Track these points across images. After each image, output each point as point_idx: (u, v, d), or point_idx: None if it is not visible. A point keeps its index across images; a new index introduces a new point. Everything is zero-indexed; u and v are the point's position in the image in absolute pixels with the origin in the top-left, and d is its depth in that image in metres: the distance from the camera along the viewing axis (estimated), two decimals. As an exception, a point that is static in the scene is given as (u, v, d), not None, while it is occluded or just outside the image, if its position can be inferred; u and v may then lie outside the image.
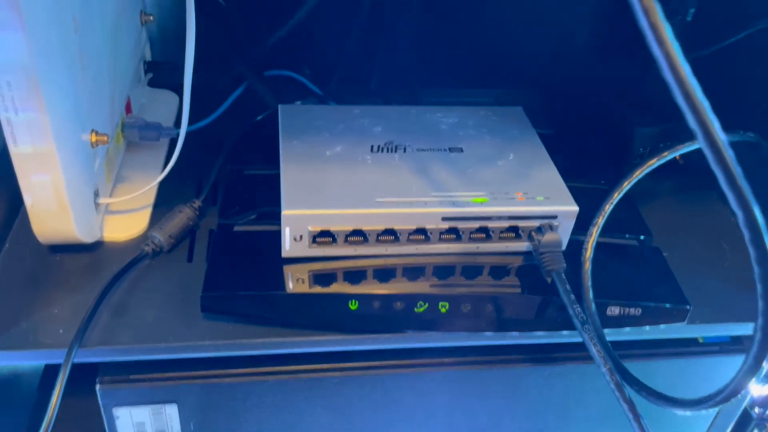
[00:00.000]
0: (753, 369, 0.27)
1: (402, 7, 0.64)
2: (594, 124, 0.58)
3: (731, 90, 0.58)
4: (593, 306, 0.40)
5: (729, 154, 0.22)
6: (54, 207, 0.40)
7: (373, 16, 0.64)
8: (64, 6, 0.37)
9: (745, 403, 0.51)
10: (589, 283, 0.40)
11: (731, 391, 0.29)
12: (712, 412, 0.52)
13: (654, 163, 0.43)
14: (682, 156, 0.57)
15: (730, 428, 0.53)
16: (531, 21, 0.68)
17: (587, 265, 0.40)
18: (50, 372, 0.50)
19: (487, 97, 0.67)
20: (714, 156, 0.22)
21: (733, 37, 0.57)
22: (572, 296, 0.39)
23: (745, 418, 0.55)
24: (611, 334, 0.41)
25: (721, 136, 0.22)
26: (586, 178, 0.49)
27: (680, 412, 0.32)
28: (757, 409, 0.55)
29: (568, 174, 0.46)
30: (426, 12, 0.64)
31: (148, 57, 0.60)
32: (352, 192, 0.42)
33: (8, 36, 0.32)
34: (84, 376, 0.41)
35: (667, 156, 0.43)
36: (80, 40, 0.40)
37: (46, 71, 0.35)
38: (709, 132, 0.22)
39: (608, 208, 0.42)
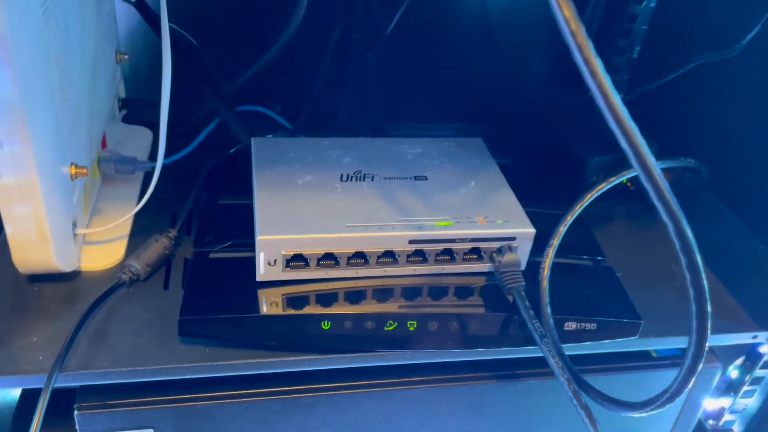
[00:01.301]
0: (691, 369, 0.30)
1: (368, 45, 0.67)
2: (550, 154, 0.61)
3: (676, 120, 0.63)
4: (551, 321, 0.42)
5: (657, 171, 0.25)
6: (34, 237, 0.41)
7: (340, 54, 0.67)
8: (48, 45, 0.39)
9: (698, 415, 0.54)
10: (547, 300, 0.43)
11: (673, 393, 0.31)
12: (670, 425, 0.54)
13: (602, 188, 0.46)
14: (633, 183, 0.61)
15: (686, 440, 0.55)
16: (490, 58, 0.72)
17: (545, 283, 0.43)
18: (25, 403, 0.50)
19: (449, 130, 0.70)
20: (644, 173, 0.25)
21: (675, 72, 0.61)
22: (531, 312, 0.41)
23: (700, 429, 0.57)
24: (570, 349, 0.44)
25: (650, 157, 0.25)
26: (543, 204, 0.52)
27: (630, 414, 0.35)
28: (711, 422, 0.58)
29: (526, 200, 0.49)
30: (391, 50, 0.67)
31: (122, 94, 0.62)
32: (324, 218, 0.44)
33: (-4, 73, 0.34)
34: (60, 407, 0.42)
35: (614, 181, 0.47)
36: (62, 76, 0.42)
37: (31, 106, 0.37)
38: (639, 153, 0.25)
39: (562, 229, 0.45)
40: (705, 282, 0.27)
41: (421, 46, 0.70)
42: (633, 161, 0.25)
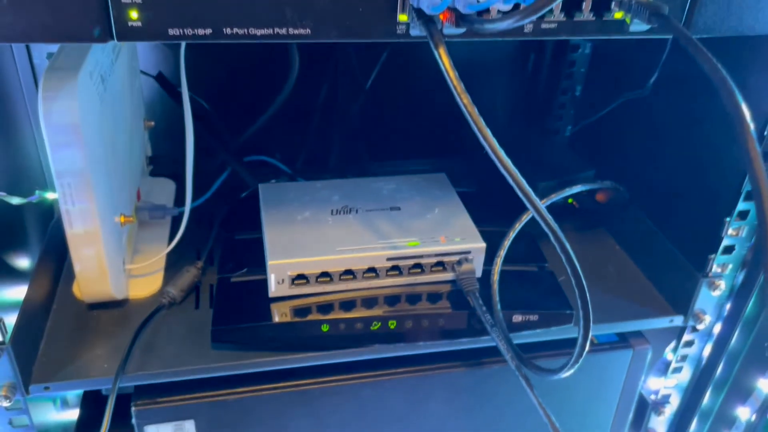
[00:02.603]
0: (584, 338, 0.42)
1: (351, 96, 0.79)
2: (505, 182, 0.73)
3: (612, 147, 0.75)
4: (501, 315, 0.54)
5: (537, 203, 0.37)
6: (96, 273, 0.53)
7: (328, 107, 0.79)
8: (103, 125, 0.51)
9: (637, 391, 0.65)
10: (497, 298, 0.55)
11: (575, 359, 0.43)
12: (615, 400, 0.65)
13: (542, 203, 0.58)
14: (577, 200, 0.73)
15: (631, 412, 0.66)
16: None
17: (495, 286, 0.55)
18: (86, 414, 0.61)
19: (424, 164, 0.81)
20: (525, 199, 0.37)
21: (608, 107, 0.73)
22: (483, 308, 0.53)
23: (642, 404, 0.68)
24: (519, 337, 0.55)
25: (524, 184, 0.37)
26: (498, 224, 0.63)
27: (552, 377, 0.47)
28: (652, 397, 0.69)
29: (484, 220, 0.60)
30: (371, 100, 0.78)
31: (149, 153, 0.75)
32: (320, 244, 0.56)
33: (72, 152, 0.47)
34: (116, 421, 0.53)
35: (546, 202, 0.59)
36: (112, 146, 0.54)
37: (95, 173, 0.49)
38: (520, 185, 0.36)
39: (506, 243, 0.57)
40: (578, 267, 0.39)
41: (397, 94, 0.81)
42: (517, 190, 0.37)
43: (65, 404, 0.62)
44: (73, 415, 0.62)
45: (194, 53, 0.55)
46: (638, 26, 0.41)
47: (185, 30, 0.37)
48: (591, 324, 0.41)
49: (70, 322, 0.55)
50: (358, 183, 0.65)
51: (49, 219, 0.65)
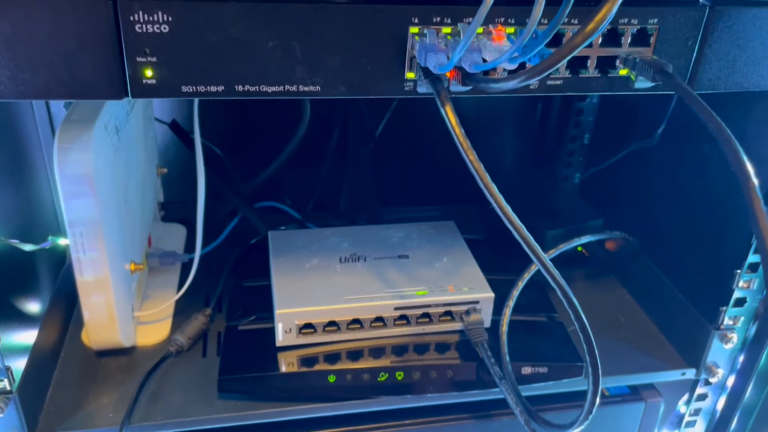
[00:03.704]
0: (593, 394, 0.41)
1: (361, 143, 0.80)
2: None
3: (621, 195, 0.75)
4: (509, 366, 0.53)
5: (542, 255, 0.37)
6: (105, 320, 0.53)
7: (338, 153, 0.80)
8: (116, 174, 0.52)
9: (652, 444, 0.63)
10: (506, 350, 0.54)
11: (586, 413, 0.42)
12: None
13: (549, 255, 0.58)
14: (587, 249, 0.73)
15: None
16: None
17: (503, 337, 0.55)
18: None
19: (434, 211, 0.82)
20: (532, 253, 0.37)
21: (616, 156, 0.74)
22: (492, 360, 0.53)
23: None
24: (528, 390, 0.55)
25: (531, 239, 0.37)
26: (506, 272, 0.63)
27: (562, 432, 0.46)
28: (666, 450, 0.67)
29: (493, 269, 0.61)
30: (380, 147, 0.80)
31: (161, 199, 0.76)
32: (327, 293, 0.56)
33: (84, 202, 0.47)
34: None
35: (554, 253, 0.58)
36: (125, 195, 0.55)
37: (106, 223, 0.50)
38: (521, 233, 0.36)
39: (515, 293, 0.57)
40: (585, 320, 0.38)
41: (406, 142, 0.82)
42: (523, 245, 0.37)
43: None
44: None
45: (208, 101, 0.57)
46: (643, 83, 0.42)
47: (198, 87, 0.38)
48: (600, 380, 0.41)
49: (77, 369, 0.56)
50: (367, 230, 0.66)
51: (61, 264, 0.65)
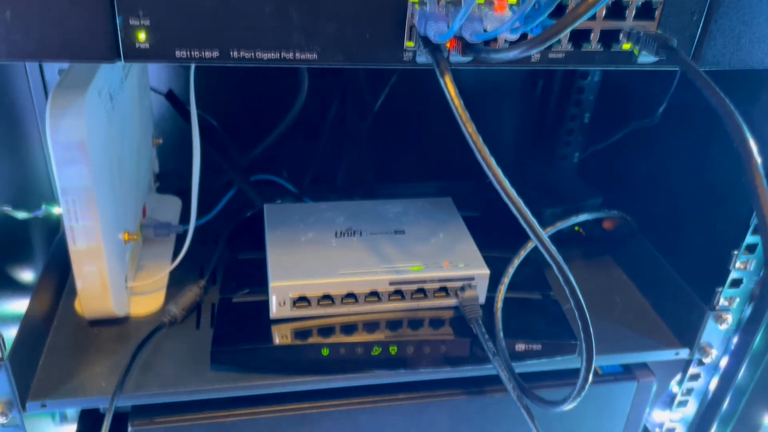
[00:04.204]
0: (586, 371, 0.41)
1: (359, 117, 0.79)
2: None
3: (620, 174, 0.75)
4: (503, 343, 0.53)
5: (537, 225, 0.37)
6: (98, 289, 0.53)
7: (336, 127, 0.79)
8: (110, 142, 0.52)
9: (641, 424, 0.64)
10: (500, 326, 0.54)
11: (578, 391, 0.42)
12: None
13: (547, 232, 0.57)
14: (584, 228, 0.72)
15: (635, 445, 0.65)
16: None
17: (498, 314, 0.55)
18: (85, 422, 0.61)
19: (431, 188, 0.82)
20: (528, 227, 0.37)
21: (616, 135, 0.73)
22: (486, 336, 0.52)
23: (647, 436, 0.67)
24: (521, 366, 0.55)
25: (528, 214, 0.36)
26: (503, 249, 0.63)
27: (554, 410, 0.46)
28: (657, 430, 0.68)
29: (489, 246, 0.60)
30: (379, 122, 0.79)
31: (156, 169, 0.75)
32: (322, 267, 0.56)
33: (77, 169, 0.47)
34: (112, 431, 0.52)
35: (552, 230, 0.58)
36: (119, 164, 0.54)
37: (100, 191, 0.49)
38: (522, 213, 0.36)
39: (511, 270, 0.56)
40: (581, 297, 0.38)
41: (405, 117, 0.81)
42: (521, 220, 0.37)
43: (64, 419, 0.62)
44: (71, 430, 0.61)
45: (204, 71, 0.56)
46: (646, 58, 0.41)
47: (192, 52, 0.37)
48: (594, 358, 0.41)
49: (70, 338, 0.55)
50: (363, 205, 0.65)
51: (55, 233, 0.65)
